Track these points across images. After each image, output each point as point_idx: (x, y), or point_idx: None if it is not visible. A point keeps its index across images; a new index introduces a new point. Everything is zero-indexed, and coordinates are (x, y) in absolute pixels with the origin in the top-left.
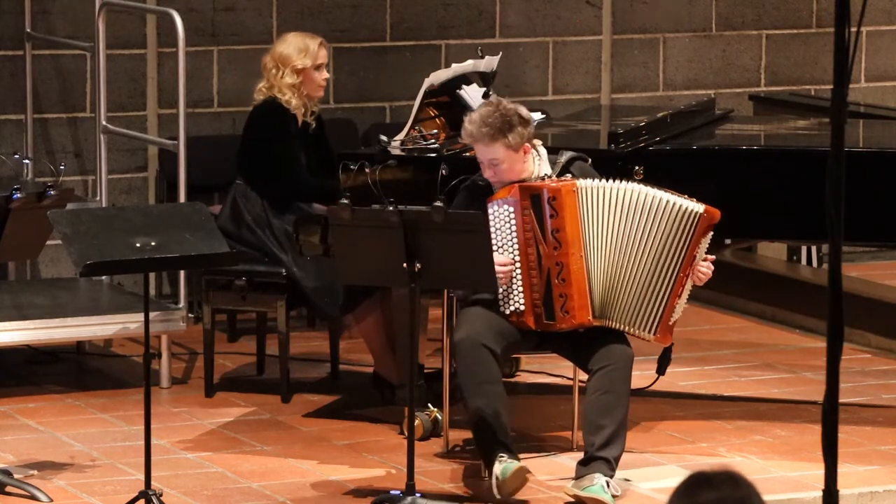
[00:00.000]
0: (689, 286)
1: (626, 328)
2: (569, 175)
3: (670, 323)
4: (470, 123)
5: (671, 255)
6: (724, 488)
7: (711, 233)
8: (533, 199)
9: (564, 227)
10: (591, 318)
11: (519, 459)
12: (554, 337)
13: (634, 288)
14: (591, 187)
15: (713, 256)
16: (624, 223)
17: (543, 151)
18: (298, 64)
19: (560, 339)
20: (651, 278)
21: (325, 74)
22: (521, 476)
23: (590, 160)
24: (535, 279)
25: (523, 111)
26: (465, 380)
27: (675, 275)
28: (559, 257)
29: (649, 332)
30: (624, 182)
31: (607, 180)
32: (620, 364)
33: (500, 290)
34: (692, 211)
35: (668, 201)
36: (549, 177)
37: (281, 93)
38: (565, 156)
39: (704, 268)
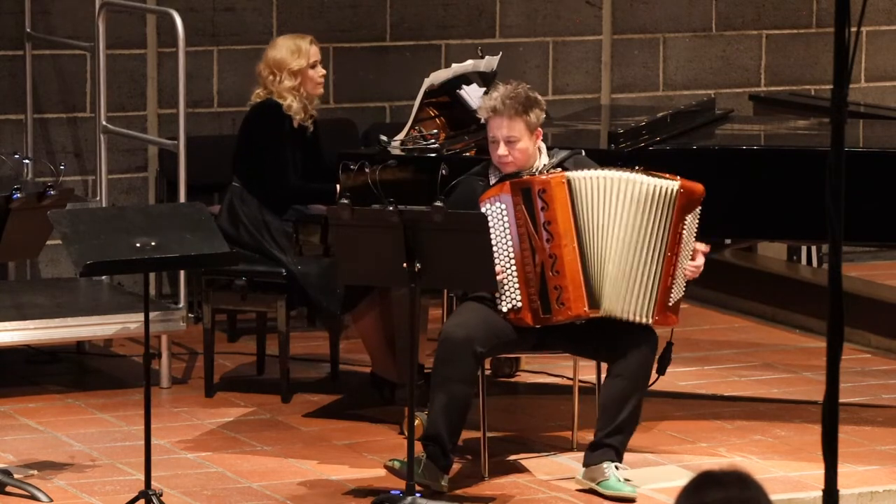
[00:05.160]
0: (682, 265)
1: (624, 316)
2: (558, 169)
3: (669, 303)
4: (491, 99)
5: (653, 236)
6: (733, 488)
7: (698, 208)
8: (524, 193)
9: (556, 218)
10: (586, 309)
11: (446, 470)
12: (557, 334)
13: (620, 275)
14: (580, 178)
15: (706, 248)
16: (605, 210)
17: (543, 146)
18: (294, 65)
19: (563, 337)
20: (635, 263)
21: (321, 71)
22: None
23: (583, 152)
24: (531, 273)
25: (538, 95)
26: (438, 370)
27: (661, 256)
28: (552, 249)
29: (646, 317)
30: (607, 170)
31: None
32: (644, 349)
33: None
34: (666, 188)
35: (640, 182)
36: (541, 172)
37: (281, 98)
38: (560, 154)
39: (692, 268)
